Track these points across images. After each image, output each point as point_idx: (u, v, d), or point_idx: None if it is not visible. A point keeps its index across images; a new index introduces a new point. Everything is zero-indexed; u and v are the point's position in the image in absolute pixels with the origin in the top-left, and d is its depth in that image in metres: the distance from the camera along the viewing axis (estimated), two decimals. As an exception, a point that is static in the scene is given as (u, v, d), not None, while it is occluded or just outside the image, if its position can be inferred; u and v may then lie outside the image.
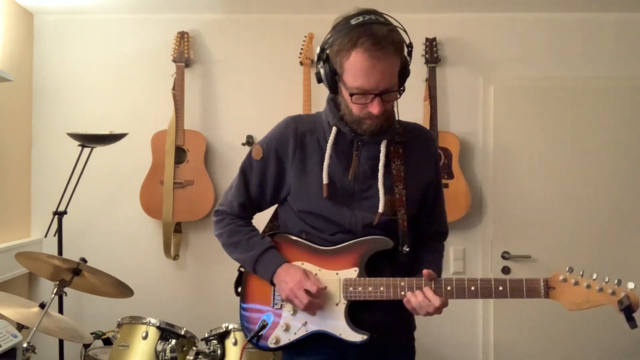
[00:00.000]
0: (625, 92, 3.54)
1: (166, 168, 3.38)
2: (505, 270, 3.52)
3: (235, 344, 2.67)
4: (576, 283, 1.63)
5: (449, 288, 1.70)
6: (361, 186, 1.80)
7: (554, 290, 1.65)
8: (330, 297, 1.76)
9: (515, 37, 3.58)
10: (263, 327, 1.77)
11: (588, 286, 1.62)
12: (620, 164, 3.53)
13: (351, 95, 1.67)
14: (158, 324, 2.72)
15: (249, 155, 1.91)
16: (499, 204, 3.56)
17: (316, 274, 1.79)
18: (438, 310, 1.68)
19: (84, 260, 2.62)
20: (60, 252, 3.19)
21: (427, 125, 3.38)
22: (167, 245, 3.41)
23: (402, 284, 1.72)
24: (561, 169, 3.54)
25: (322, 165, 1.78)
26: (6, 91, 3.23)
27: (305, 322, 1.78)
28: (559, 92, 3.54)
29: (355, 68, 1.64)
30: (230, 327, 2.68)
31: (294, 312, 1.79)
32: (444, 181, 3.38)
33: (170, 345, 2.68)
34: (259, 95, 3.57)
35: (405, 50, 1.71)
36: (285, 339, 1.79)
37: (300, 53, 3.46)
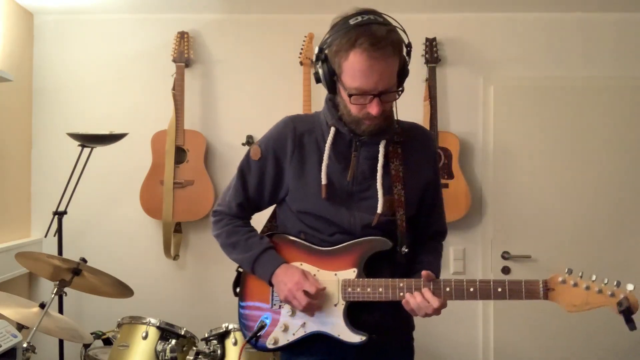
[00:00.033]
0: (625, 92, 3.54)
1: (166, 168, 3.38)
2: (505, 270, 3.52)
3: (235, 344, 2.67)
4: (575, 284, 1.63)
5: (447, 289, 1.69)
6: (360, 187, 1.79)
7: (552, 292, 1.64)
8: (329, 297, 1.76)
9: (515, 37, 3.58)
10: (262, 327, 1.76)
11: (587, 288, 1.62)
12: (620, 164, 3.53)
13: (350, 95, 1.67)
14: (158, 324, 2.72)
15: (247, 156, 1.90)
16: (499, 204, 3.56)
17: (315, 275, 1.78)
18: (437, 312, 1.68)
19: (84, 260, 2.62)
20: (60, 252, 3.20)
21: (427, 125, 3.38)
22: (167, 245, 3.41)
23: (401, 285, 1.71)
24: (561, 169, 3.54)
25: (320, 165, 1.78)
26: (6, 91, 3.23)
27: (304, 323, 1.78)
28: (559, 92, 3.54)
29: (354, 69, 1.63)
30: (230, 327, 2.68)
31: (293, 313, 1.79)
32: (444, 181, 3.38)
33: (170, 345, 2.68)
34: (259, 95, 3.57)
35: (404, 50, 1.70)
36: (284, 339, 1.79)
37: (300, 53, 3.46)
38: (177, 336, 2.74)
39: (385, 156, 1.78)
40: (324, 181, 1.76)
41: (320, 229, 1.81)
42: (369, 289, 1.73)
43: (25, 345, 2.31)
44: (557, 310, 1.69)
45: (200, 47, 3.59)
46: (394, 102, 1.75)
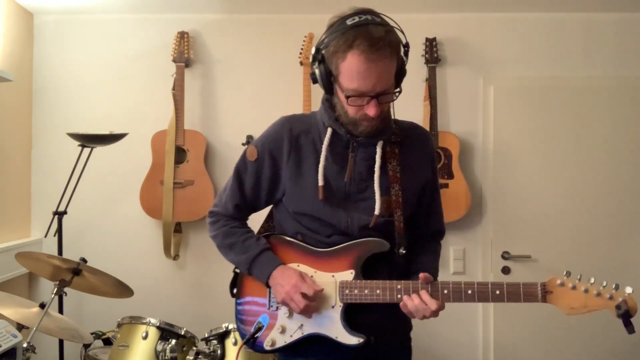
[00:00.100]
0: (626, 92, 3.54)
1: (166, 168, 3.38)
2: (505, 270, 3.52)
3: (235, 344, 2.67)
4: (573, 287, 1.62)
5: (445, 291, 1.69)
6: (357, 188, 1.78)
7: (551, 295, 1.63)
8: (327, 299, 1.75)
9: (515, 37, 3.57)
10: (259, 329, 1.76)
11: (586, 290, 1.61)
12: (621, 164, 3.53)
13: (347, 97, 1.65)
14: (158, 324, 2.73)
15: (243, 156, 1.88)
16: (499, 204, 3.55)
17: (312, 276, 1.78)
18: (434, 314, 1.68)
19: (84, 260, 2.63)
20: (60, 252, 3.20)
21: (427, 126, 3.38)
22: (167, 245, 3.41)
23: (399, 287, 1.71)
24: (561, 169, 3.54)
25: (317, 166, 1.76)
26: (6, 91, 3.24)
27: (301, 325, 1.77)
28: (559, 92, 3.54)
29: (351, 70, 1.61)
30: (230, 327, 2.69)
31: (290, 314, 1.79)
32: (444, 181, 3.38)
33: (170, 345, 2.68)
34: (259, 95, 3.57)
35: (402, 50, 1.69)
36: (281, 341, 1.79)
37: (300, 53, 3.46)
38: (177, 336, 2.74)
39: (383, 157, 1.77)
40: (321, 182, 1.75)
41: (317, 230, 1.81)
42: (366, 291, 1.72)
43: (25, 345, 2.32)
44: (557, 311, 1.68)
45: (200, 47, 3.59)
46: (392, 103, 1.74)
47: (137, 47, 3.59)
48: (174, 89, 3.43)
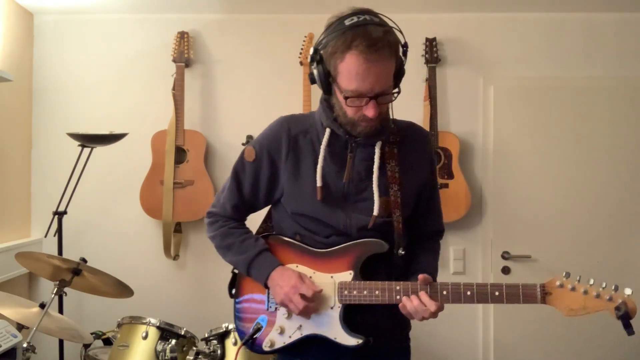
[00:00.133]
0: (626, 92, 3.54)
1: (166, 168, 3.38)
2: (505, 270, 3.52)
3: (235, 344, 2.67)
4: (573, 289, 1.61)
5: (444, 293, 1.68)
6: (356, 188, 1.77)
7: (550, 296, 1.63)
8: (325, 300, 1.75)
9: (515, 37, 3.57)
10: (258, 330, 1.75)
11: (585, 292, 1.60)
12: (621, 164, 3.53)
13: (345, 98, 1.64)
14: (158, 324, 2.73)
15: (241, 157, 1.87)
16: (499, 204, 3.55)
17: (311, 277, 1.77)
18: (433, 315, 1.67)
19: (84, 260, 2.63)
20: (60, 252, 3.20)
21: (427, 125, 3.39)
22: (167, 245, 3.42)
23: (398, 288, 1.70)
24: (561, 169, 3.53)
25: (315, 167, 1.76)
26: (6, 91, 3.24)
27: (300, 326, 1.77)
28: (559, 92, 3.54)
29: (350, 71, 1.60)
30: (230, 327, 2.68)
31: (289, 315, 1.78)
32: (444, 181, 3.38)
33: (170, 345, 2.68)
34: (259, 95, 3.57)
35: (401, 50, 1.68)
36: (280, 342, 1.78)
37: (300, 53, 3.46)
38: (177, 336, 2.74)
39: (381, 157, 1.76)
40: (319, 183, 1.74)
41: (315, 231, 1.80)
42: (365, 292, 1.72)
43: (25, 345, 2.32)
44: (557, 311, 1.68)
45: (200, 47, 3.59)
46: (390, 103, 1.73)
47: (137, 47, 3.59)
48: (174, 89, 3.43)
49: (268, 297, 1.83)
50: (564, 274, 1.64)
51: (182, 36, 3.49)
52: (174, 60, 3.46)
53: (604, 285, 1.61)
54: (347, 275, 1.75)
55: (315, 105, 3.32)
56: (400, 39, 1.67)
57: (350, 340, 1.72)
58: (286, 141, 1.80)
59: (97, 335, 2.94)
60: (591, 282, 1.62)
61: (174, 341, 2.71)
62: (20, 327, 2.47)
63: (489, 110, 3.56)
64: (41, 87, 3.58)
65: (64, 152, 3.40)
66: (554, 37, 3.57)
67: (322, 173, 1.75)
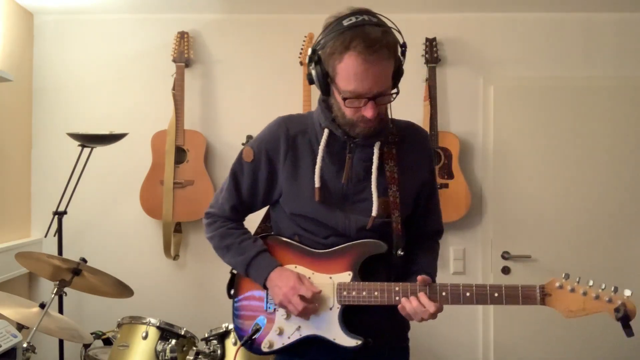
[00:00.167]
0: (626, 92, 3.54)
1: (166, 168, 3.38)
2: (505, 270, 3.52)
3: (235, 344, 2.67)
4: (572, 290, 1.60)
5: (443, 294, 1.68)
6: (354, 189, 1.77)
7: (549, 297, 1.62)
8: (324, 301, 1.75)
9: (515, 37, 3.57)
10: (256, 330, 1.75)
11: (584, 293, 1.59)
12: (621, 164, 3.53)
13: (344, 99, 1.64)
14: (158, 324, 2.73)
15: (240, 157, 1.87)
16: (499, 204, 3.55)
17: (309, 278, 1.77)
18: (432, 316, 1.67)
19: (84, 260, 2.63)
20: (60, 252, 3.21)
21: (427, 126, 3.39)
22: (167, 245, 3.42)
23: (397, 289, 1.70)
24: (561, 169, 3.53)
25: (314, 168, 1.75)
26: (6, 91, 3.24)
27: (299, 327, 1.77)
28: (559, 92, 3.54)
29: (348, 72, 1.60)
30: (230, 327, 2.68)
31: (288, 316, 1.78)
32: (444, 181, 3.38)
33: (170, 345, 2.69)
34: (259, 95, 3.57)
35: (399, 50, 1.67)
36: (279, 343, 1.78)
37: (300, 53, 3.46)
38: (177, 336, 2.74)
39: (380, 158, 1.75)
40: (317, 184, 1.74)
41: (314, 232, 1.80)
42: (364, 293, 1.71)
43: (25, 345, 2.32)
44: (556, 312, 1.68)
45: (200, 47, 3.59)
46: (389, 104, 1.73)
47: (137, 47, 3.59)
48: (174, 89, 3.43)
49: (267, 298, 1.82)
50: (563, 275, 1.64)
51: (182, 36, 3.49)
52: (174, 60, 3.46)
53: (603, 286, 1.60)
54: (346, 276, 1.75)
55: (315, 106, 3.34)
56: (399, 39, 1.66)
57: (350, 341, 1.71)
58: (284, 141, 1.79)
59: (97, 335, 2.94)
60: (590, 283, 1.62)
61: (174, 341, 2.71)
62: (20, 327, 2.47)
63: (489, 110, 3.56)
64: (41, 87, 3.58)
65: (64, 152, 3.40)
66: (554, 37, 3.57)
67: (320, 174, 1.75)
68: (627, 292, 1.57)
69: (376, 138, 1.75)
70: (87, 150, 3.19)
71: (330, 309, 1.74)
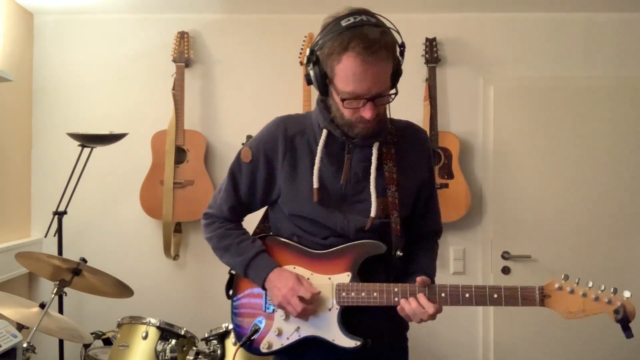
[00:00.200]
0: (626, 92, 3.53)
1: (166, 168, 3.38)
2: (505, 270, 3.52)
3: (235, 344, 2.66)
4: (572, 291, 1.60)
5: (443, 295, 1.68)
6: (353, 189, 1.76)
7: (549, 299, 1.62)
8: (323, 301, 1.74)
9: (515, 37, 3.57)
10: (255, 331, 1.75)
11: (584, 294, 1.59)
12: (621, 164, 3.52)
13: (342, 100, 1.63)
14: (158, 324, 2.73)
15: (238, 158, 1.86)
16: (499, 204, 3.55)
17: (308, 279, 1.76)
18: (432, 317, 1.66)
19: (84, 260, 2.63)
20: (60, 252, 3.20)
21: (427, 126, 3.38)
22: (167, 245, 3.42)
23: (396, 289, 1.69)
24: (561, 169, 3.53)
25: (312, 168, 1.75)
26: (6, 91, 3.24)
27: (298, 327, 1.76)
28: (559, 92, 3.53)
29: (347, 73, 1.59)
30: (231, 327, 2.67)
31: (287, 317, 1.77)
32: (444, 181, 3.38)
33: (170, 345, 2.69)
34: (259, 95, 3.57)
35: (398, 50, 1.66)
36: (278, 343, 1.78)
37: (300, 53, 3.45)
38: (177, 336, 2.75)
39: (379, 158, 1.75)
40: (316, 185, 1.73)
41: (313, 232, 1.79)
42: (363, 294, 1.71)
43: (25, 345, 2.32)
44: (556, 313, 1.68)
45: (200, 47, 3.59)
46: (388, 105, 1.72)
47: (137, 47, 3.59)
48: (174, 89, 3.43)
49: (265, 299, 1.82)
50: (563, 276, 1.64)
51: (182, 36, 3.49)
52: (174, 60, 3.46)
53: (602, 287, 1.60)
54: (345, 277, 1.74)
55: (315, 106, 3.34)
56: (398, 39, 1.65)
57: (349, 342, 1.71)
58: (283, 142, 1.79)
59: (97, 335, 2.95)
60: (590, 284, 1.61)
61: (174, 341, 2.71)
62: (20, 327, 2.47)
63: (489, 110, 3.56)
64: (41, 87, 3.58)
65: (64, 152, 3.40)
66: (554, 37, 3.56)
67: (319, 174, 1.74)
68: (627, 294, 1.57)
69: (375, 138, 1.74)
70: (87, 150, 3.19)
71: (329, 309, 1.74)
